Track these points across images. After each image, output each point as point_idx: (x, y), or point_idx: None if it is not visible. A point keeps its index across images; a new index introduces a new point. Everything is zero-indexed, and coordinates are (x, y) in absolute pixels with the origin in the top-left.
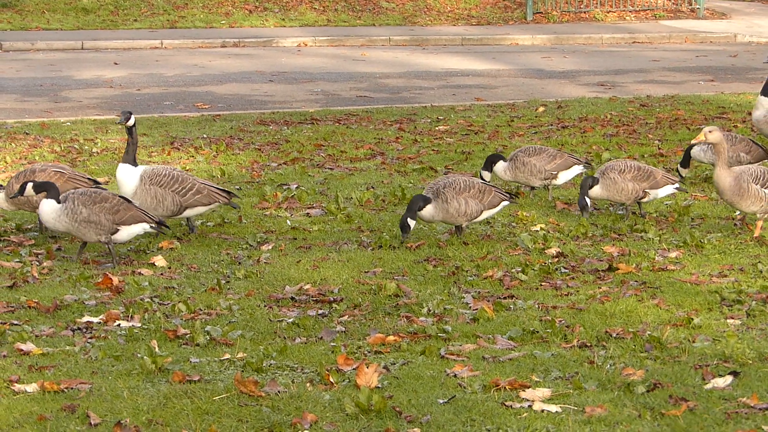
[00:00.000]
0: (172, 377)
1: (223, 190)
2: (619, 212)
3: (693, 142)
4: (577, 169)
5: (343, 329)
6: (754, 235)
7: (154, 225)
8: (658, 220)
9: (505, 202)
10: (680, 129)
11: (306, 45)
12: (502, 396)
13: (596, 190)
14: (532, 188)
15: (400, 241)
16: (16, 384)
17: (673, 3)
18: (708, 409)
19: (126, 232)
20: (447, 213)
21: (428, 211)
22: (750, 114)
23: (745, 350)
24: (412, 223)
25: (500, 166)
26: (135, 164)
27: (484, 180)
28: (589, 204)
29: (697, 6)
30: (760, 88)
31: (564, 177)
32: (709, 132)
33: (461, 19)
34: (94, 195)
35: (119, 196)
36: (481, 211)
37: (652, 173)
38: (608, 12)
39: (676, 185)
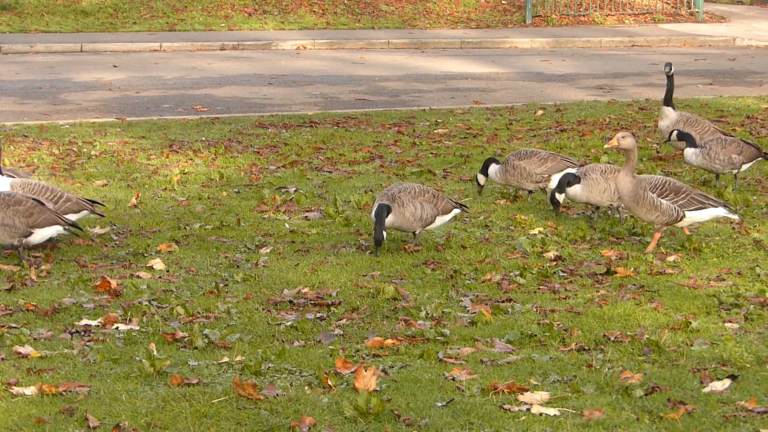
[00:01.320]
0: (170, 380)
1: (89, 201)
2: (590, 214)
3: (606, 147)
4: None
5: (342, 332)
6: (647, 250)
7: (67, 227)
8: None
9: (457, 210)
10: None
11: (305, 48)
12: (500, 399)
13: (576, 190)
14: (530, 191)
15: (375, 253)
16: (14, 387)
17: (672, 7)
18: (706, 412)
19: (39, 235)
20: (404, 217)
21: (389, 218)
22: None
23: (743, 354)
24: (385, 234)
25: (493, 170)
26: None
27: (479, 184)
28: (560, 200)
29: (696, 10)
30: (759, 91)
31: (557, 180)
32: (622, 137)
33: (460, 22)
34: (7, 198)
35: (33, 199)
36: (435, 217)
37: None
38: (607, 15)
39: None
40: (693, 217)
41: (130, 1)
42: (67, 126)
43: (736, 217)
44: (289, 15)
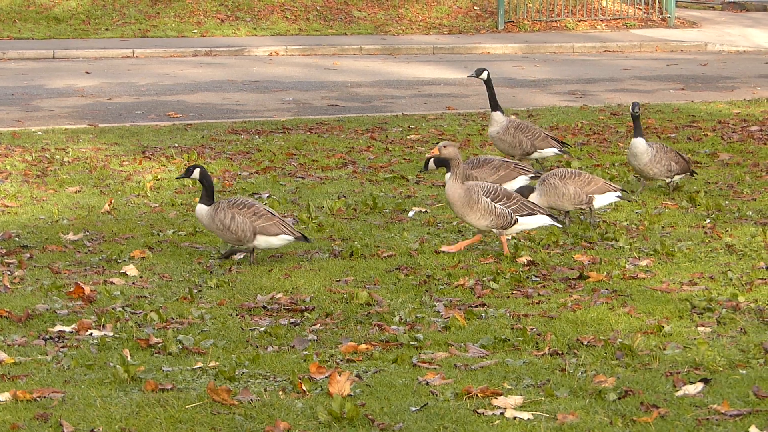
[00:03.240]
0: (144, 386)
1: None
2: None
3: (427, 156)
4: (523, 180)
5: (315, 338)
6: (504, 253)
7: None
8: (628, 228)
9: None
10: (651, 137)
11: (278, 54)
12: (474, 404)
13: (534, 198)
14: None
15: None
16: None
17: (644, 12)
18: (679, 415)
19: None
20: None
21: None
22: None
23: (716, 357)
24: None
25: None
26: None
27: (426, 165)
28: None
29: (668, 15)
30: (731, 96)
31: (509, 188)
32: (443, 146)
33: (433, 28)
34: None
35: None
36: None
37: (593, 180)
38: (579, 21)
39: (618, 193)
40: (524, 222)
41: (103, 7)
42: (39, 132)
43: (561, 225)
44: (262, 21)
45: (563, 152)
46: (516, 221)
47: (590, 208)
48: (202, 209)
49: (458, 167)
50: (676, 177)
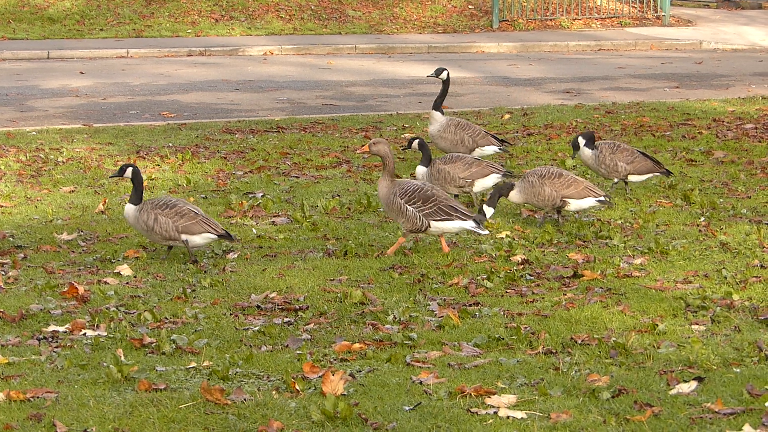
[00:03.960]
0: (138, 386)
1: None
2: (537, 218)
3: (358, 152)
4: (495, 178)
5: (309, 337)
6: (387, 252)
7: None
8: (623, 226)
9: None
10: (645, 136)
11: (272, 54)
12: (467, 403)
13: (514, 195)
14: (455, 196)
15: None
16: None
17: (639, 10)
18: (673, 414)
19: None
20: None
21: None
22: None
23: (710, 356)
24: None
25: (420, 171)
26: None
27: (409, 145)
28: (488, 214)
29: (663, 13)
30: (725, 94)
31: (480, 185)
32: (374, 144)
33: (428, 27)
34: None
35: None
36: None
37: (574, 183)
38: (574, 20)
39: (600, 198)
40: (438, 227)
41: (97, 7)
42: (34, 133)
43: (485, 232)
44: (256, 21)
45: (503, 150)
46: (429, 225)
47: (558, 211)
48: (129, 209)
49: (389, 165)
50: (634, 178)
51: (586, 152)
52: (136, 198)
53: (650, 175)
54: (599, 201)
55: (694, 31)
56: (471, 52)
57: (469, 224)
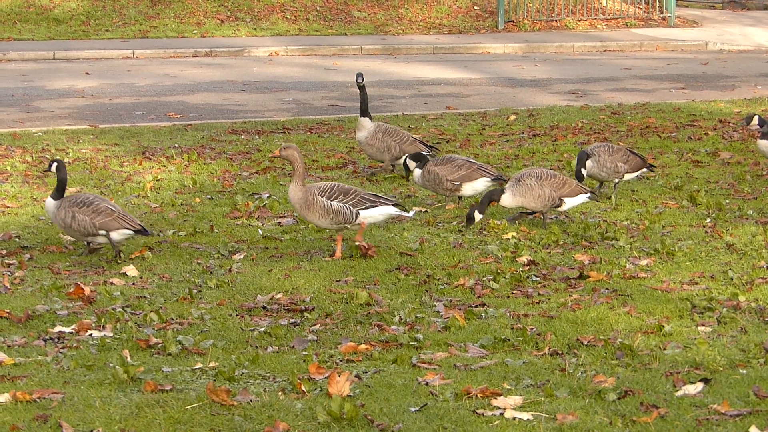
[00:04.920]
0: (144, 387)
1: None
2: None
3: (270, 156)
4: (485, 182)
5: (315, 338)
6: (335, 256)
7: None
8: (629, 227)
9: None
10: (651, 137)
11: (278, 54)
12: (473, 404)
13: (506, 199)
14: (460, 198)
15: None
16: None
17: (645, 11)
18: (679, 415)
19: None
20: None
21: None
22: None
23: (716, 357)
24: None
25: (416, 174)
26: None
27: (407, 168)
28: (476, 218)
29: (669, 14)
30: (731, 95)
31: (469, 188)
32: (284, 148)
33: (433, 28)
34: None
35: None
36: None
37: (567, 182)
38: (579, 20)
39: (588, 195)
40: (366, 215)
41: (103, 8)
42: (40, 133)
43: (409, 214)
44: (262, 22)
45: (432, 156)
46: (357, 215)
47: (545, 211)
48: (50, 204)
49: (299, 169)
50: (629, 176)
51: (588, 164)
52: (57, 194)
53: (641, 171)
54: (588, 197)
55: (699, 32)
56: (476, 52)
57: (394, 210)
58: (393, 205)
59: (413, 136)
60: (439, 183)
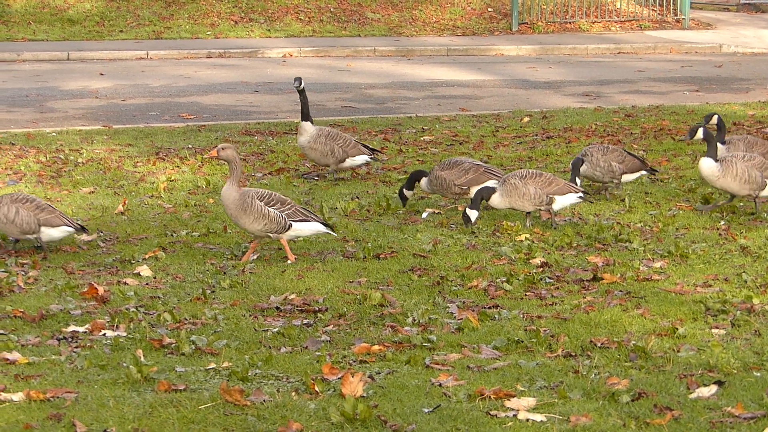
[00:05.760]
0: (157, 386)
1: None
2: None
3: (206, 156)
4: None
5: (328, 339)
6: (242, 260)
7: None
8: (642, 230)
9: None
10: (665, 139)
11: (291, 56)
12: (487, 405)
13: (495, 200)
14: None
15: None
16: (1, 393)
17: (659, 14)
18: (693, 418)
19: None
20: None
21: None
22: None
23: (730, 360)
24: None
25: (424, 182)
26: None
27: (404, 198)
28: (472, 218)
29: (683, 17)
30: (745, 98)
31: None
32: (222, 149)
33: (447, 29)
34: None
35: None
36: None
37: (554, 180)
38: (593, 22)
39: (580, 194)
40: (298, 228)
41: (117, 9)
42: (54, 134)
43: (335, 234)
44: (276, 23)
45: (374, 159)
46: (290, 226)
47: (550, 210)
48: None
49: (236, 170)
50: (627, 177)
51: (583, 168)
52: None
53: (639, 173)
54: (579, 197)
55: (714, 35)
56: (490, 54)
57: (323, 228)
58: (322, 224)
59: (355, 139)
60: (447, 188)
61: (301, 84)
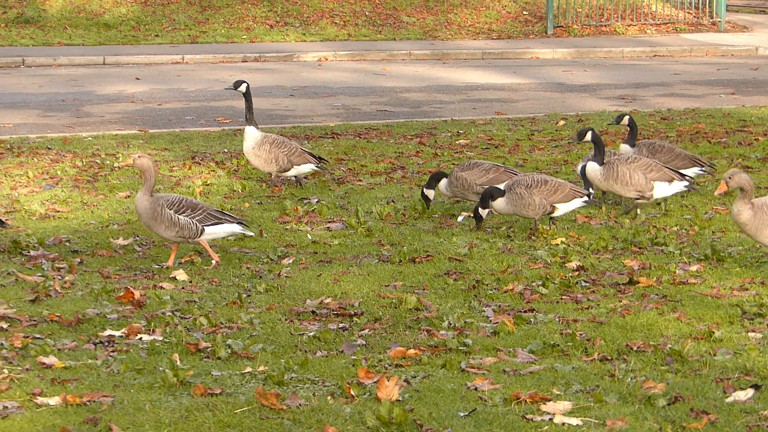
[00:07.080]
0: (193, 390)
1: None
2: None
3: (122, 165)
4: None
5: (364, 343)
6: (212, 264)
7: None
8: (678, 233)
9: None
10: (701, 142)
11: (327, 59)
12: (522, 409)
13: (500, 205)
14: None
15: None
16: (39, 397)
17: (694, 16)
18: (729, 422)
19: None
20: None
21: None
22: None
23: (767, 363)
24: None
25: (443, 184)
26: None
27: (427, 198)
28: (483, 215)
29: (719, 19)
30: None
31: None
32: (138, 158)
33: (482, 33)
34: None
35: None
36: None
37: (560, 187)
38: (629, 25)
39: (585, 198)
40: (211, 231)
41: (153, 13)
42: (90, 138)
43: (251, 234)
44: (311, 27)
45: (320, 168)
46: (203, 231)
47: (551, 217)
48: None
49: (150, 179)
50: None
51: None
52: None
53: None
54: (585, 201)
55: (750, 37)
56: (525, 58)
57: (237, 227)
58: (237, 223)
59: (302, 147)
60: (469, 188)
61: (239, 87)
